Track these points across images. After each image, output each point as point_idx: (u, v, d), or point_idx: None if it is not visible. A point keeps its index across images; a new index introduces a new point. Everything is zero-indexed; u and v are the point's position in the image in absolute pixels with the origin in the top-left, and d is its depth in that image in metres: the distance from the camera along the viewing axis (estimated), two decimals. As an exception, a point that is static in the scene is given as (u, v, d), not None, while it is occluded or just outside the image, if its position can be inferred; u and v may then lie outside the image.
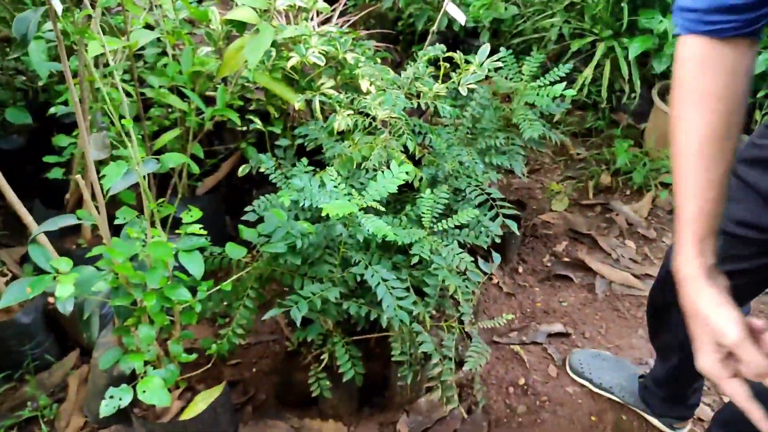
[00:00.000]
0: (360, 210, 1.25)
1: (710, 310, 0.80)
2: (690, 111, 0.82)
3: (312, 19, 2.12)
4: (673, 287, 1.40)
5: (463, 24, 1.63)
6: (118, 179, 1.03)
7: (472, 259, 1.36)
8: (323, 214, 1.17)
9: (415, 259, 1.31)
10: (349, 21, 2.41)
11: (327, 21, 2.36)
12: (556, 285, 2.22)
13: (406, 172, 1.31)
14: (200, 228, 1.15)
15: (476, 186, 1.58)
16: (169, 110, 1.91)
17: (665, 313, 1.47)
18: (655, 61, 2.52)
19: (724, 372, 0.80)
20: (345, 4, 2.75)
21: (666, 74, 2.65)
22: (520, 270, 2.27)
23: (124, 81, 1.80)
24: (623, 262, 2.30)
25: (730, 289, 1.10)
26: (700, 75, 0.81)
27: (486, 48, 1.66)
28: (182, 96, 1.76)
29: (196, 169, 1.43)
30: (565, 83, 1.71)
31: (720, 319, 0.78)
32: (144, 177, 1.10)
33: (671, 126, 0.86)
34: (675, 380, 1.58)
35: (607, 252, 2.34)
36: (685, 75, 0.83)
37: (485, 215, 1.52)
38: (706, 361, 0.82)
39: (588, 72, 2.70)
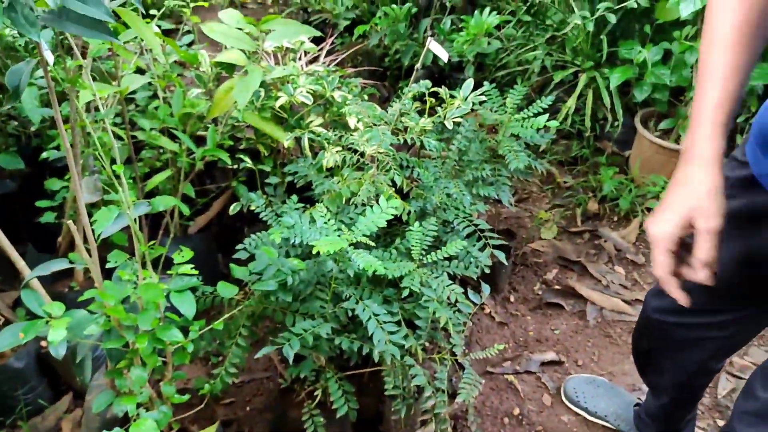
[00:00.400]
0: (350, 245, 1.27)
1: (707, 184, 0.81)
2: None
3: (300, 58, 2.17)
4: (655, 333, 1.41)
5: (445, 61, 1.67)
6: (109, 224, 1.05)
7: (462, 290, 1.38)
8: (314, 251, 1.19)
9: (405, 292, 1.33)
10: (336, 59, 2.47)
11: (314, 60, 2.41)
12: (547, 313, 2.23)
13: (395, 207, 1.34)
14: (192, 268, 1.16)
15: (464, 218, 1.60)
16: (161, 151, 1.94)
17: (651, 357, 1.48)
18: (636, 90, 2.58)
19: (669, 243, 0.82)
20: (332, 43, 2.81)
21: (647, 102, 2.71)
22: (512, 299, 2.29)
23: (115, 125, 1.83)
24: (613, 288, 2.32)
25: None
26: None
27: (470, 83, 1.70)
28: (173, 137, 1.79)
29: (186, 211, 1.45)
30: (548, 114, 1.76)
31: (713, 199, 0.80)
32: (135, 220, 1.12)
33: (705, 13, 0.86)
34: (667, 416, 1.58)
35: (597, 278, 2.36)
36: None
37: (474, 246, 1.54)
38: (661, 226, 0.83)
39: (571, 102, 2.76)
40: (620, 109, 2.67)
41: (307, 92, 1.69)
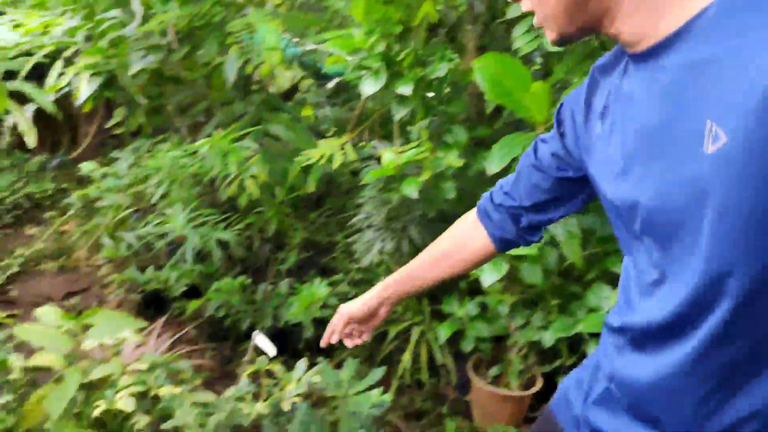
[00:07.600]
0: None
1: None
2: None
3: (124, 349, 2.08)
4: None
5: (272, 355, 1.71)
6: None
7: None
8: None
9: None
10: (173, 336, 2.41)
11: (149, 333, 2.34)
12: None
13: None
14: None
15: None
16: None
17: None
18: (462, 342, 2.76)
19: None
20: (171, 309, 2.78)
21: (474, 351, 2.91)
22: None
23: None
24: None
25: None
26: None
27: (303, 363, 1.74)
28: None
29: None
30: (382, 387, 1.82)
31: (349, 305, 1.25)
32: None
33: None
34: None
35: None
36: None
37: None
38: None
39: (407, 356, 2.88)
40: (451, 362, 2.82)
41: (131, 395, 1.60)
